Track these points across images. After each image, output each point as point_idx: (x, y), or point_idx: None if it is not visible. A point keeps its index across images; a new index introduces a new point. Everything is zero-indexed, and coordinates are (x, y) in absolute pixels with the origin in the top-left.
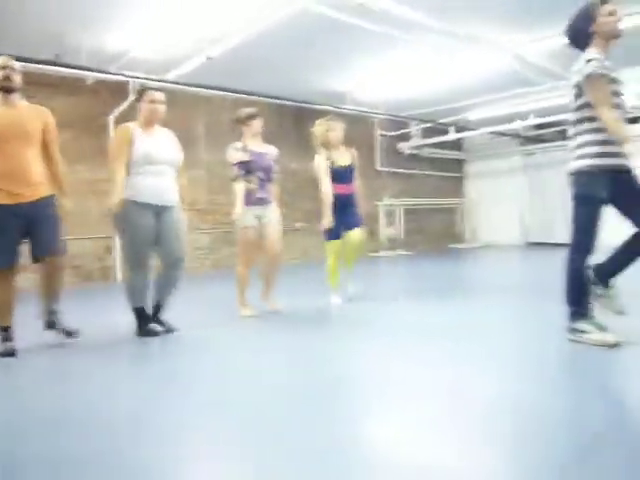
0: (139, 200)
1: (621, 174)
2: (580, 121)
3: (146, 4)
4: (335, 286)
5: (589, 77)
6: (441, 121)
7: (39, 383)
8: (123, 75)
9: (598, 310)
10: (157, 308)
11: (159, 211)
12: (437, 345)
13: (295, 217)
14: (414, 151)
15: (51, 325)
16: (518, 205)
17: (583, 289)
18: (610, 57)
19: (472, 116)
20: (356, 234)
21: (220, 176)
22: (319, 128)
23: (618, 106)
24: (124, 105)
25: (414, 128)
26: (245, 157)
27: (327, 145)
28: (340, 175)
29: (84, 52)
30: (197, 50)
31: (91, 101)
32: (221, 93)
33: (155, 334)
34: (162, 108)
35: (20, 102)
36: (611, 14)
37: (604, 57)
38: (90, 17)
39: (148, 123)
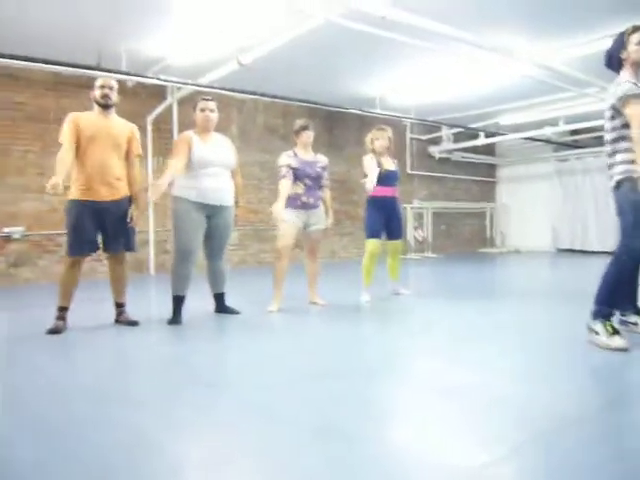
0: (193, 199)
1: None
2: (617, 140)
3: (180, 14)
4: (367, 284)
5: (624, 98)
6: (471, 126)
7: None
8: (159, 79)
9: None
10: (218, 297)
11: (213, 210)
12: (463, 345)
13: None
14: (445, 155)
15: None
16: (550, 211)
17: (616, 291)
18: None
19: (502, 121)
20: (398, 245)
21: (251, 176)
22: (368, 136)
23: None
24: (161, 107)
25: (445, 132)
26: (293, 163)
27: (374, 152)
28: (387, 178)
29: (124, 57)
30: (230, 56)
31: (132, 103)
32: (253, 97)
33: (178, 323)
34: (214, 115)
35: (113, 115)
36: (638, 44)
37: (635, 80)
38: (128, 26)
39: (203, 130)
